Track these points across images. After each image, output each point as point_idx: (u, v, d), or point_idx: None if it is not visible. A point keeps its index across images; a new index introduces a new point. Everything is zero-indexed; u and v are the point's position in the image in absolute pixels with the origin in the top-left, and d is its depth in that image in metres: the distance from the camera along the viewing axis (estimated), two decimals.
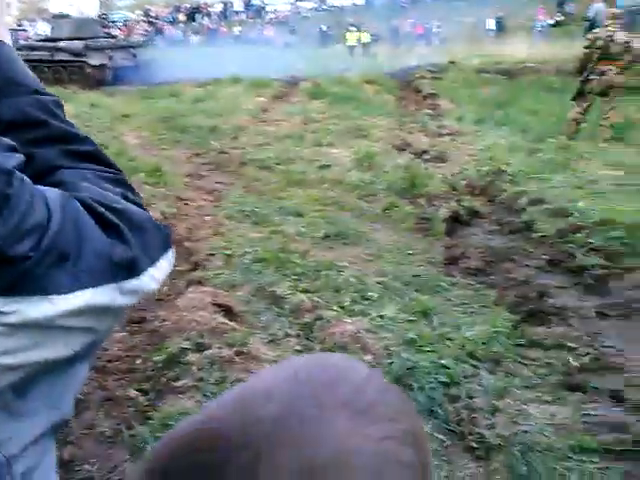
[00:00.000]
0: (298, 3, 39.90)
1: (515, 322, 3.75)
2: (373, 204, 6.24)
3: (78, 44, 18.87)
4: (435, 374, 3.16)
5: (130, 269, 0.75)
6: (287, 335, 3.65)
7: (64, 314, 0.67)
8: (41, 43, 20.72)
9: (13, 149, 0.70)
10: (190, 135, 9.90)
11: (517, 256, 4.87)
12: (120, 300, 0.75)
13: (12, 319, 0.64)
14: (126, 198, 0.83)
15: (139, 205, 0.85)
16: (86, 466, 2.54)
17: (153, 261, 0.80)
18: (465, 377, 3.17)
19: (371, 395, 0.46)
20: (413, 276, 4.45)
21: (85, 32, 19.82)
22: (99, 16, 30.35)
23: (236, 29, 35.65)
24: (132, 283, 0.76)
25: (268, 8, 40.06)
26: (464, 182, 6.90)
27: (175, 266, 0.84)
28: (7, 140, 0.71)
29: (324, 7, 39.04)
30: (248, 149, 8.75)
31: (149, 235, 0.80)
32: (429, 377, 3.13)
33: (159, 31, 36.31)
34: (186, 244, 5.05)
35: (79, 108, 11.45)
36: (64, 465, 2.47)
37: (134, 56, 19.92)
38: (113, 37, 23.15)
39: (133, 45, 21.31)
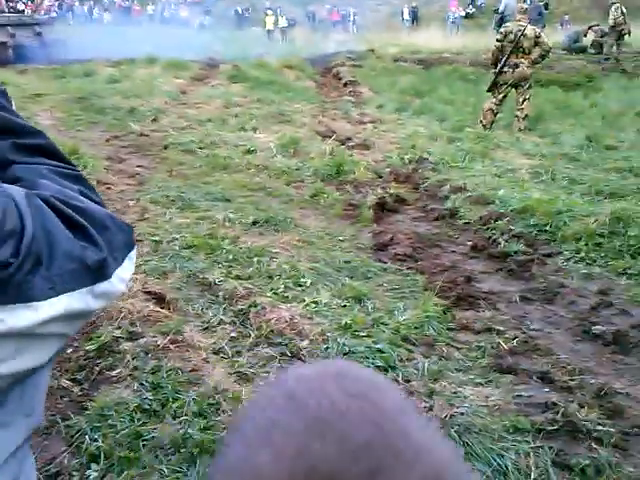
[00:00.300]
0: None
1: (445, 306, 3.85)
2: (301, 190, 6.23)
3: None
4: (372, 359, 3.22)
5: (100, 272, 0.72)
6: (222, 322, 3.61)
7: (45, 321, 0.65)
8: None
9: None
10: (107, 116, 9.56)
11: (443, 242, 5.01)
12: (93, 304, 0.72)
13: None
14: (84, 195, 0.80)
15: (98, 203, 0.82)
16: None
17: (119, 262, 0.77)
18: (401, 361, 3.23)
19: (394, 394, 0.46)
20: (345, 262, 4.49)
21: None
22: None
23: (150, 8, 34.73)
24: (103, 286, 0.73)
25: None
26: (388, 169, 7.01)
27: None
28: None
29: None
30: (170, 132, 8.53)
31: (112, 234, 0.77)
32: (366, 362, 3.18)
33: (69, 8, 34.80)
34: None
35: None
36: None
37: (39, 34, 18.92)
38: (19, 12, 21.88)
39: (39, 22, 20.19)
